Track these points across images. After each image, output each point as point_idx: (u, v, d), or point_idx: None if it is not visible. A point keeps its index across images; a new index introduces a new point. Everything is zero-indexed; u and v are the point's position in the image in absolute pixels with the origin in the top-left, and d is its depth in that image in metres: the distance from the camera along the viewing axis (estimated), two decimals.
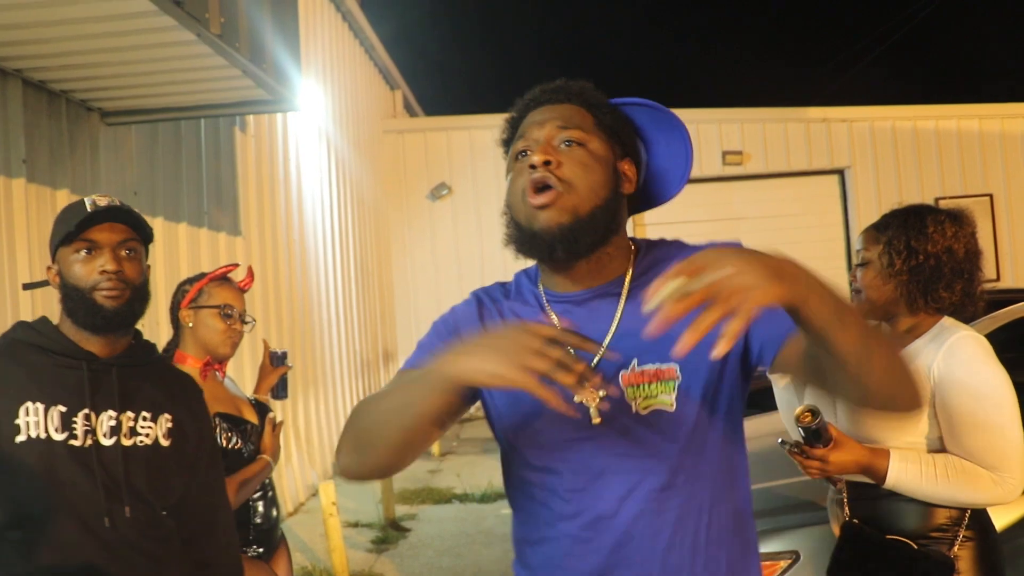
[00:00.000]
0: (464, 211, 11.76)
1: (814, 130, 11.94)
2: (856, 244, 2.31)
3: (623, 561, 1.39)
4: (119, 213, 1.82)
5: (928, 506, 2.05)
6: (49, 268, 1.89)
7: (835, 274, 11.72)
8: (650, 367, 1.40)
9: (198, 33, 3.52)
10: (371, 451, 1.35)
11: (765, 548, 2.57)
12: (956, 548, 2.03)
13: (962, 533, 2.04)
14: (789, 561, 2.54)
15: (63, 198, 4.18)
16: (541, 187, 1.40)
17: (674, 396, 1.39)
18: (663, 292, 1.04)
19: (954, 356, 2.04)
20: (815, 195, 12.08)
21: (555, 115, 1.47)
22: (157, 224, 5.03)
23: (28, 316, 3.84)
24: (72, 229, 1.78)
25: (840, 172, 12.05)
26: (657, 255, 1.50)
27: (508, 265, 1.62)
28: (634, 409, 1.39)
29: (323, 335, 8.36)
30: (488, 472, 7.50)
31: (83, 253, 1.80)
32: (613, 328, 1.43)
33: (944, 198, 11.26)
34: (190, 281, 2.74)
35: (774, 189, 12.03)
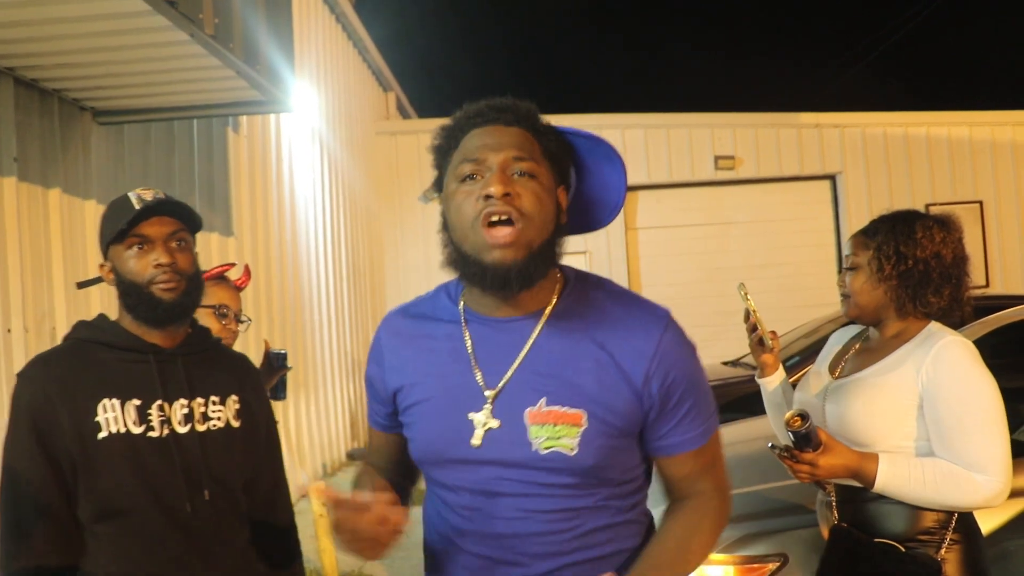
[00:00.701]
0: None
1: (806, 136, 11.97)
2: (845, 249, 2.33)
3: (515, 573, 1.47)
4: (167, 206, 1.87)
5: (916, 509, 2.06)
6: (102, 265, 1.93)
7: (825, 279, 11.79)
8: (557, 408, 1.42)
9: (192, 34, 3.52)
10: None
11: (753, 551, 2.58)
12: (943, 551, 2.05)
13: (949, 536, 2.06)
14: (777, 564, 2.56)
15: (55, 197, 4.18)
16: (501, 220, 1.38)
17: (576, 441, 1.41)
18: None
19: (941, 361, 2.06)
20: (806, 200, 12.10)
21: (509, 141, 1.44)
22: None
23: (20, 319, 3.83)
24: (124, 226, 1.82)
25: (831, 177, 12.08)
26: (584, 296, 1.51)
27: None
28: (534, 448, 1.42)
29: (315, 336, 8.35)
30: None
31: (135, 248, 1.85)
32: (520, 358, 1.45)
33: (934, 204, 11.30)
34: None
35: (766, 194, 12.05)
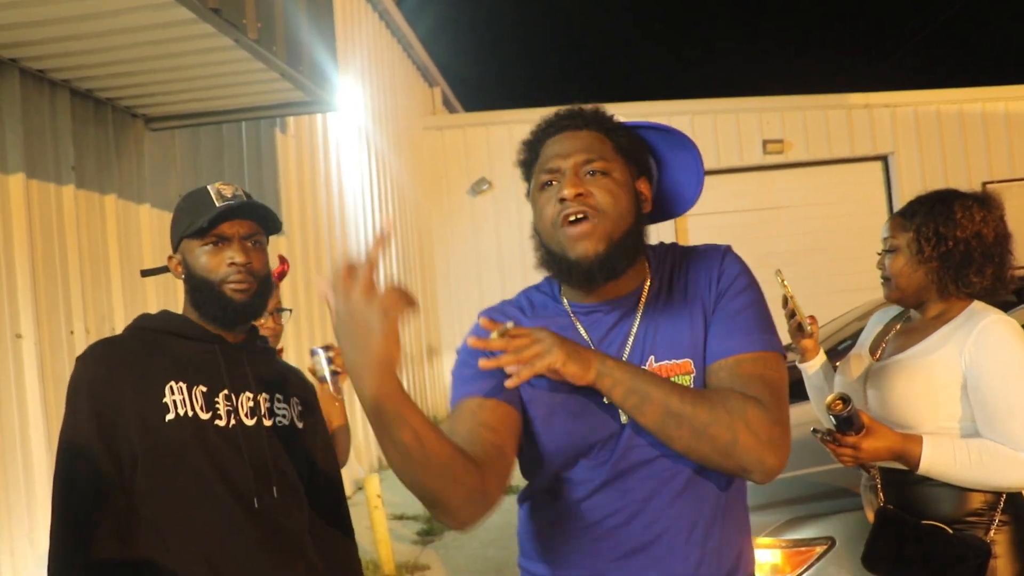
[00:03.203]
0: (505, 205, 11.81)
1: (856, 116, 11.78)
2: (883, 232, 2.31)
3: (653, 543, 1.48)
4: (251, 210, 1.83)
5: (963, 491, 2.04)
6: (171, 257, 1.89)
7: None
8: (666, 363, 1.49)
9: (236, 39, 3.61)
10: None
11: (799, 535, 2.58)
12: (992, 532, 2.03)
13: (998, 517, 2.03)
14: (824, 547, 2.55)
15: (111, 203, 4.31)
16: (576, 219, 1.49)
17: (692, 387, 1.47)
18: (495, 334, 1.40)
19: (985, 340, 2.04)
20: (858, 182, 11.91)
21: (578, 145, 1.54)
22: None
23: (81, 321, 3.96)
24: (204, 225, 1.77)
25: (883, 158, 11.87)
26: (667, 266, 1.60)
27: None
28: None
29: None
30: None
31: (210, 245, 1.80)
32: (633, 332, 1.53)
33: (992, 182, 11.05)
34: None
35: (816, 177, 11.89)
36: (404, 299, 1.24)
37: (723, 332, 1.49)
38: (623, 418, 1.48)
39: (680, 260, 1.60)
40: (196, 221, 1.79)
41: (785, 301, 2.47)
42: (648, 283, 1.57)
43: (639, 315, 1.54)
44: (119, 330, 4.18)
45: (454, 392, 1.57)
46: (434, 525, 6.14)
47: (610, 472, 1.49)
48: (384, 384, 1.22)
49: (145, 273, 2.17)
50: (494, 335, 1.39)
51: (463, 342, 1.62)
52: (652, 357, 1.50)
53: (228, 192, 1.82)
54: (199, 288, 1.81)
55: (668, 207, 1.70)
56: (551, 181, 1.54)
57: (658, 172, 1.67)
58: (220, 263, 1.79)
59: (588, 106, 1.63)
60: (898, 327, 2.32)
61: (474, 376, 1.52)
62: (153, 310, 4.57)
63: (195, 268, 1.81)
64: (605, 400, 1.46)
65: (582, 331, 1.56)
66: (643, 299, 1.56)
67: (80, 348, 3.94)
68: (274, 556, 1.76)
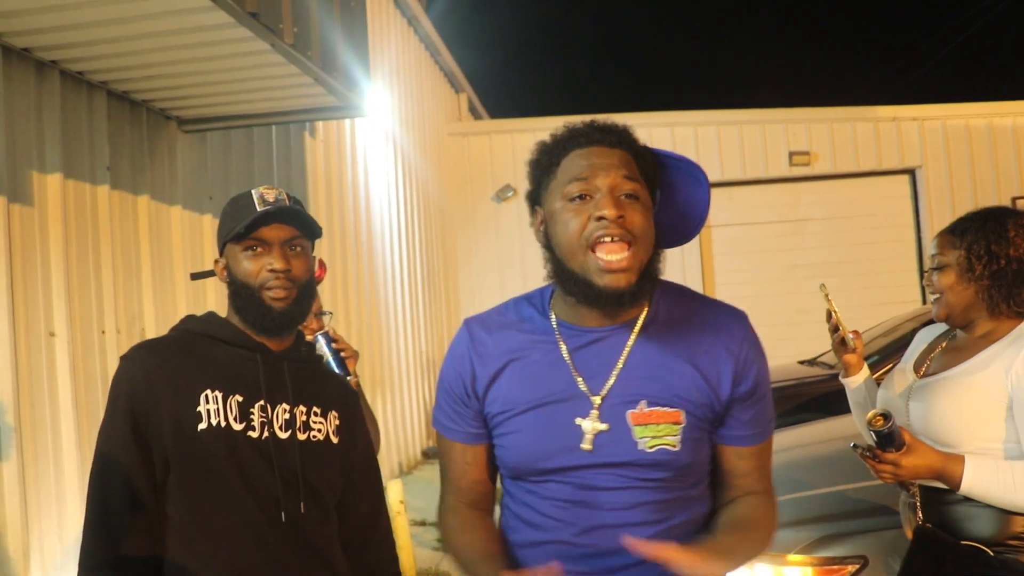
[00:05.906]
0: (529, 213, 11.79)
1: (883, 129, 11.69)
2: (930, 248, 2.28)
3: (613, 568, 1.52)
4: (288, 215, 1.80)
5: (1005, 513, 2.01)
6: (217, 261, 1.88)
7: (904, 276, 11.46)
8: (658, 409, 1.50)
9: (272, 43, 3.63)
10: None
11: (832, 552, 2.56)
12: None
13: None
14: (857, 566, 2.52)
15: (144, 204, 4.35)
16: (612, 241, 1.44)
17: (678, 438, 1.50)
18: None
19: None
20: (885, 196, 11.81)
21: (615, 163, 1.49)
22: None
23: (112, 321, 4.00)
24: (242, 230, 1.76)
25: (911, 172, 11.77)
26: (670, 303, 1.59)
27: None
28: (640, 447, 1.50)
29: (390, 336, 8.48)
30: None
31: (251, 250, 1.79)
32: (620, 365, 1.53)
33: (1021, 198, 10.94)
34: None
35: (842, 190, 11.80)
36: None
37: (748, 422, 1.58)
38: (587, 444, 1.51)
39: (690, 305, 1.60)
40: (236, 226, 1.78)
41: (829, 315, 2.46)
42: (644, 314, 1.56)
43: (630, 345, 1.54)
44: (148, 331, 4.25)
45: (440, 419, 1.69)
46: None
47: (572, 492, 1.54)
48: None
49: (195, 276, 2.15)
50: None
51: (446, 363, 1.71)
52: (644, 401, 1.51)
53: (270, 196, 1.81)
54: (240, 293, 1.80)
55: (672, 235, 1.66)
56: (584, 195, 1.47)
57: (667, 199, 1.64)
58: (260, 268, 1.78)
59: (619, 123, 1.57)
60: (944, 345, 2.29)
61: (455, 413, 1.65)
62: (182, 313, 4.63)
63: (236, 273, 1.80)
64: (576, 421, 1.51)
65: (563, 347, 1.55)
66: (637, 329, 1.54)
67: (111, 348, 3.99)
68: (299, 569, 1.75)
